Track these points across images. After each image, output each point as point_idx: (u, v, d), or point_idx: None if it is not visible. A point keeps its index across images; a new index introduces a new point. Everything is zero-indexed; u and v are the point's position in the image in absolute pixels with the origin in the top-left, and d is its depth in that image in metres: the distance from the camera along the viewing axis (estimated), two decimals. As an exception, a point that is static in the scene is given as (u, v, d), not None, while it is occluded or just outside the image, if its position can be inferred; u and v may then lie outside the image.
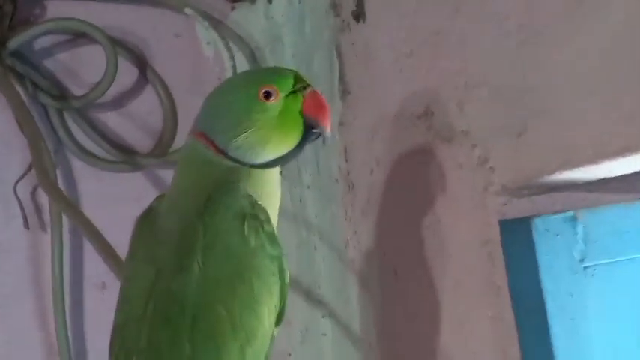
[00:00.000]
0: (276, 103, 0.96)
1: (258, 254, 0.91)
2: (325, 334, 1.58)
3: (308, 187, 1.60)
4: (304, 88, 0.97)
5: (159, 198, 1.01)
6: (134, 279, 0.95)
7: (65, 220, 1.42)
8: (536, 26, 1.07)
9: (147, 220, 0.98)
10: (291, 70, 0.99)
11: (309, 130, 0.97)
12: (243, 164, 0.95)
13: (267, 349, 0.92)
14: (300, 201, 1.60)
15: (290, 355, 1.58)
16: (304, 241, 1.60)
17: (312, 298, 1.59)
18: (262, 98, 0.95)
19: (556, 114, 1.04)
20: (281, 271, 0.93)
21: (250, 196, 0.93)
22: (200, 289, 0.89)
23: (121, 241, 1.29)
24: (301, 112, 0.96)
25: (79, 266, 1.48)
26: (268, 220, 0.93)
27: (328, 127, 0.97)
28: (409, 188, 1.33)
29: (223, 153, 0.95)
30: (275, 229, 0.95)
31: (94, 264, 1.46)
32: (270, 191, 0.97)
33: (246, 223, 0.91)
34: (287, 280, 0.94)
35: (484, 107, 1.16)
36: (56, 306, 1.41)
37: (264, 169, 0.97)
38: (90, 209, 1.43)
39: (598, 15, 0.99)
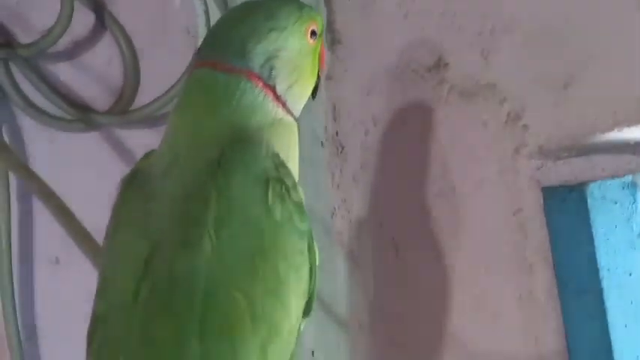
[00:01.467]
0: (315, 45, 0.82)
1: (285, 229, 0.73)
2: (306, 315, 1.43)
3: (287, 150, 1.43)
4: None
5: (147, 156, 0.82)
6: (120, 257, 0.75)
7: (13, 183, 1.26)
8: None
9: (134, 182, 0.79)
10: None
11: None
12: (292, 116, 0.81)
13: (293, 347, 0.75)
14: (278, 165, 1.44)
15: (267, 337, 1.42)
16: (282, 211, 1.44)
17: (290, 274, 1.42)
18: (309, 39, 0.81)
19: (613, 60, 0.89)
20: (310, 250, 0.77)
21: (277, 154, 0.76)
22: (212, 270, 0.70)
23: (75, 210, 1.13)
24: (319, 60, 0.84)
25: (29, 238, 1.31)
26: (296, 187, 0.76)
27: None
28: (414, 151, 1.17)
29: (281, 101, 0.79)
30: (303, 198, 0.77)
31: (45, 236, 1.31)
32: (295, 151, 0.81)
33: (270, 189, 0.73)
34: (317, 261, 0.77)
35: (517, 56, 1.00)
36: (2, 283, 1.26)
37: (295, 124, 0.82)
38: (39, 173, 1.24)
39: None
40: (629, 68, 0.87)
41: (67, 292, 1.30)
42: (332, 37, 1.32)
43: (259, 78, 0.78)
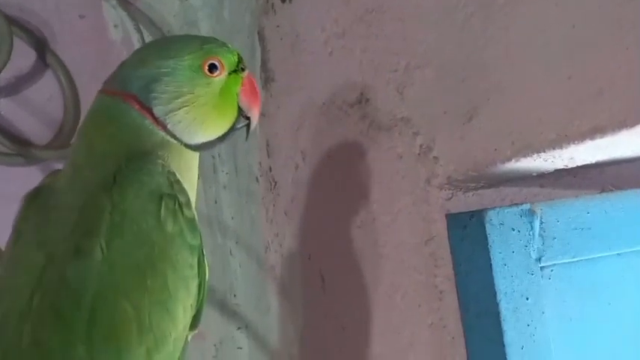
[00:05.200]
0: (219, 79, 0.85)
1: (176, 242, 0.77)
2: (241, 348, 1.45)
3: (224, 187, 1.47)
4: (243, 70, 0.87)
5: (52, 174, 0.85)
6: (17, 266, 0.78)
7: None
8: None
9: (37, 198, 0.82)
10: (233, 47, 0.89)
11: (239, 118, 0.87)
12: (178, 141, 0.83)
13: (178, 356, 0.78)
14: (216, 202, 1.47)
15: (202, 371, 1.44)
16: (219, 246, 1.47)
17: (227, 308, 1.45)
18: (207, 72, 0.84)
19: (511, 94, 0.92)
20: (200, 265, 0.79)
21: (172, 173, 0.79)
22: (102, 278, 0.73)
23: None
24: (238, 95, 0.87)
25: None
26: (189, 204, 0.80)
27: (257, 118, 0.89)
28: (339, 184, 1.20)
29: (161, 124, 0.82)
30: (196, 215, 0.81)
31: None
32: (192, 176, 0.84)
33: (163, 204, 0.77)
34: (207, 276, 0.80)
35: (428, 90, 1.03)
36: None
37: (192, 152, 0.84)
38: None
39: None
40: (526, 100, 0.91)
41: None
42: (266, 75, 1.36)
43: (137, 100, 0.81)
